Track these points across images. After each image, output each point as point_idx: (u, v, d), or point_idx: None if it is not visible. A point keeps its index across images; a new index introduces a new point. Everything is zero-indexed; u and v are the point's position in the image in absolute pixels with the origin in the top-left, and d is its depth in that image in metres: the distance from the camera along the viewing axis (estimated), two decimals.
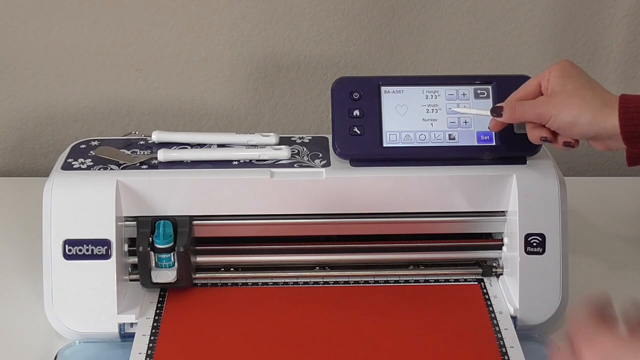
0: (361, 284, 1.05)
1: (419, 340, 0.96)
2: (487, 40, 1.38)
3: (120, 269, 1.00)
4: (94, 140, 1.09)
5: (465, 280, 1.06)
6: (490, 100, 1.03)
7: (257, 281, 1.05)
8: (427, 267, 1.06)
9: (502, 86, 1.03)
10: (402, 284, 1.05)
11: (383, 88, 1.03)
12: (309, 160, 1.04)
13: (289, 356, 0.94)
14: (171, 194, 1.01)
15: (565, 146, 0.95)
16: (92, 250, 0.98)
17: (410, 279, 1.05)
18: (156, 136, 1.08)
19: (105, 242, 0.98)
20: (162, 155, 1.03)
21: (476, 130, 1.03)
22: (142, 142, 1.08)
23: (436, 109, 1.03)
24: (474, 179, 1.02)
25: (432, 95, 1.04)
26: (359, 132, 1.02)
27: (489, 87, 1.04)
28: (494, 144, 1.02)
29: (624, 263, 1.16)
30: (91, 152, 1.06)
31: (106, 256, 0.98)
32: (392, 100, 1.03)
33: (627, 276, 1.13)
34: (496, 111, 0.97)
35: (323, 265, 1.06)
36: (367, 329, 0.98)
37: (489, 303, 1.02)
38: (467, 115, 1.03)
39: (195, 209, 1.02)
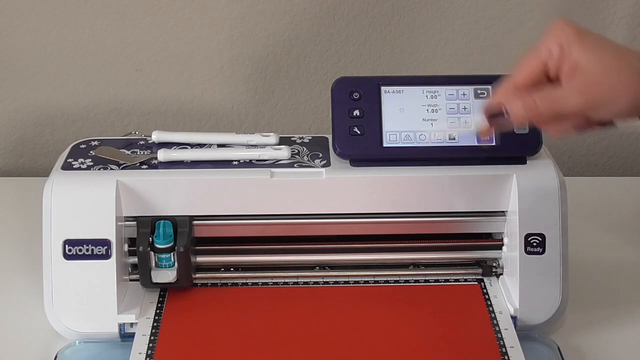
0: (361, 284, 1.05)
1: (419, 340, 0.96)
2: (487, 40, 1.38)
3: (120, 269, 1.00)
4: (94, 140, 1.09)
5: (465, 280, 1.06)
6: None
7: (257, 281, 1.05)
8: (427, 267, 1.06)
9: None
10: (402, 284, 1.05)
11: (383, 88, 1.03)
12: (309, 160, 1.04)
13: (289, 356, 0.94)
14: (171, 194, 1.01)
15: (602, 126, 0.77)
16: (92, 250, 0.98)
17: (410, 279, 1.05)
18: (156, 136, 1.08)
19: (105, 242, 0.98)
20: (162, 155, 1.03)
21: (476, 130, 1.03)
22: (142, 142, 1.08)
23: (436, 109, 1.03)
24: (474, 179, 1.02)
25: (432, 95, 1.04)
26: (359, 132, 1.02)
27: (489, 87, 1.04)
28: (494, 144, 1.02)
29: (624, 263, 1.16)
30: (91, 152, 1.06)
31: (106, 256, 0.98)
32: (392, 100, 1.03)
33: (627, 276, 1.13)
34: (498, 115, 0.81)
35: (323, 265, 1.06)
36: (367, 329, 0.98)
37: (489, 303, 1.02)
38: (468, 116, 1.03)
39: (195, 209, 1.02)
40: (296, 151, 1.06)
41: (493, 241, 1.06)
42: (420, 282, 1.05)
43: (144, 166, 1.03)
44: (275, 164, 1.03)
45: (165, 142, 1.07)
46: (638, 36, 1.38)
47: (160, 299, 1.02)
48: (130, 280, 1.03)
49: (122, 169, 1.02)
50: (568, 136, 0.78)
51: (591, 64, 0.72)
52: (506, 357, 0.93)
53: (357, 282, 1.05)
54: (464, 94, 1.04)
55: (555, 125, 0.77)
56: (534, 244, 1.00)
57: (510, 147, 1.02)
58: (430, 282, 1.05)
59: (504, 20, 1.37)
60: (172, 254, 1.00)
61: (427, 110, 1.03)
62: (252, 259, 1.06)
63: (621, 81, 0.71)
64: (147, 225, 1.01)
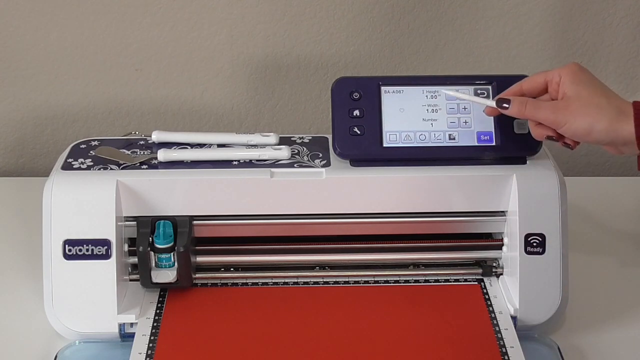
0: (361, 284, 1.05)
1: (419, 340, 0.96)
2: (487, 40, 1.38)
3: (120, 269, 1.00)
4: (94, 140, 1.09)
5: (465, 280, 1.06)
6: (490, 100, 1.03)
7: (257, 281, 1.05)
8: (427, 267, 1.06)
9: (502, 86, 1.03)
10: (402, 284, 1.05)
11: (383, 88, 1.03)
12: (309, 160, 1.04)
13: (289, 356, 0.94)
14: (171, 194, 1.01)
15: (564, 146, 0.97)
16: (92, 250, 0.98)
17: (410, 279, 1.05)
18: (156, 136, 1.08)
19: (105, 242, 0.98)
20: (162, 155, 1.03)
21: (476, 130, 1.03)
22: (142, 142, 1.08)
23: (436, 109, 1.03)
24: (474, 179, 1.02)
25: (432, 95, 1.04)
26: (359, 132, 1.02)
27: (489, 87, 1.04)
28: (494, 144, 1.02)
29: (624, 263, 1.16)
30: (91, 152, 1.06)
31: (106, 256, 0.98)
32: (392, 100, 1.03)
33: (627, 276, 1.13)
34: (502, 103, 0.97)
35: (323, 265, 1.06)
36: (367, 329, 0.98)
37: (489, 303, 1.02)
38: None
39: (195, 209, 1.02)
40: (296, 151, 1.06)
41: (493, 241, 1.06)
42: (420, 282, 1.05)
43: (144, 166, 1.03)
44: (275, 164, 1.03)
45: (165, 142, 1.07)
46: (638, 36, 1.38)
47: (160, 299, 1.02)
48: (130, 280, 1.03)
49: (122, 169, 1.02)
50: (542, 140, 0.99)
51: (572, 94, 0.94)
52: (506, 357, 0.93)
53: (357, 282, 1.05)
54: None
55: (537, 127, 0.97)
56: (534, 244, 1.00)
57: (510, 147, 1.02)
58: (431, 282, 1.05)
59: (504, 20, 1.37)
60: (172, 254, 1.00)
61: (427, 110, 1.03)
62: (252, 259, 1.06)
63: (582, 110, 0.92)
64: (147, 225, 1.01)
